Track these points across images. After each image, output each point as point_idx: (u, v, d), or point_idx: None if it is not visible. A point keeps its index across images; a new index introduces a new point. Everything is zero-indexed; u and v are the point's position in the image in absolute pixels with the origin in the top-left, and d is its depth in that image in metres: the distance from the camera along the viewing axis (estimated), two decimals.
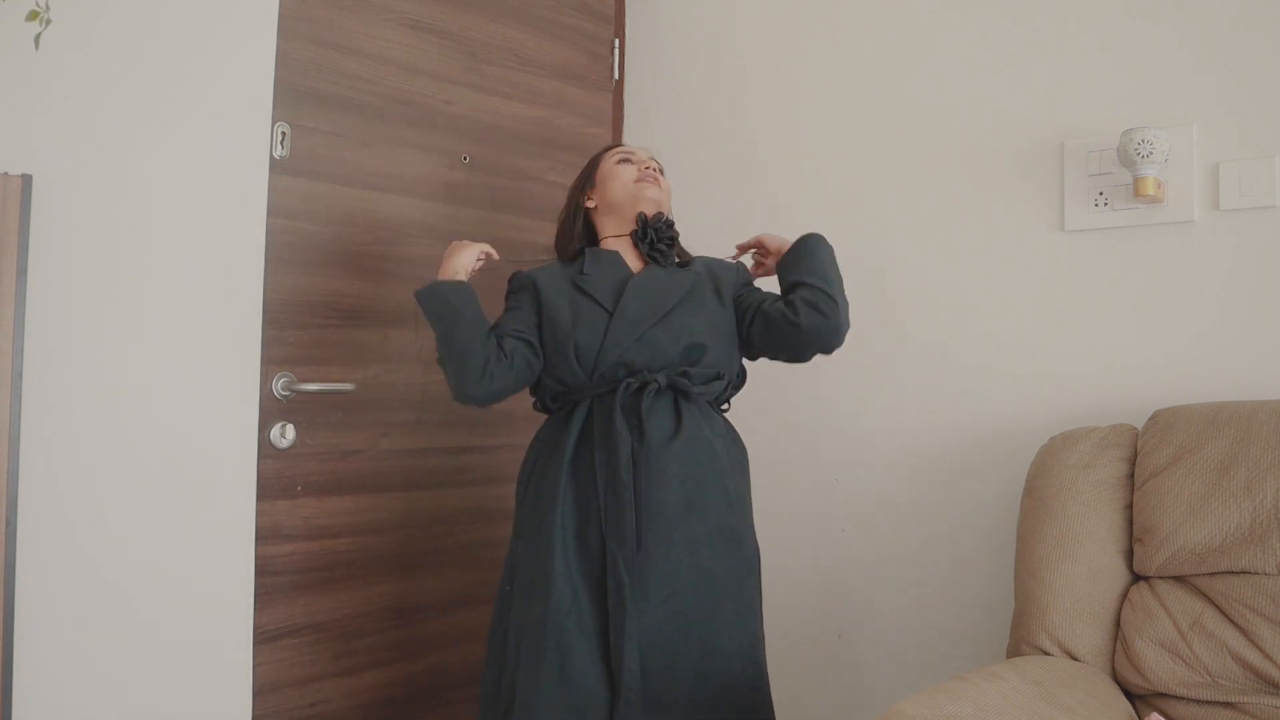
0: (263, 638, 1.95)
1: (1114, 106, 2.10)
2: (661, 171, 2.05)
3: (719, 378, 1.89)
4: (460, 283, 1.88)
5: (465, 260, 1.92)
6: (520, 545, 1.86)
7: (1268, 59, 1.98)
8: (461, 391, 1.85)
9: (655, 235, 1.96)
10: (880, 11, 2.41)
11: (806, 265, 1.89)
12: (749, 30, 2.60)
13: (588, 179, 2.05)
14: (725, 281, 1.97)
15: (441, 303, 1.84)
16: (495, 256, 1.99)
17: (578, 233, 2.02)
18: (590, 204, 2.03)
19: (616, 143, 2.22)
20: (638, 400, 1.80)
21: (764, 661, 1.85)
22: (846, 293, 1.90)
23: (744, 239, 2.09)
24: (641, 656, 1.72)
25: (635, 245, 1.97)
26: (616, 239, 1.99)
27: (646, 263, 1.97)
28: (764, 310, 1.89)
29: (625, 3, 2.73)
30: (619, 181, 1.99)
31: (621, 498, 1.75)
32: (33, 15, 1.59)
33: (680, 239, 2.03)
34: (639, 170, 2.00)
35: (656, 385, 1.81)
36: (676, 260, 2.00)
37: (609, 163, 2.03)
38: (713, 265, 2.01)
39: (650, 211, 1.98)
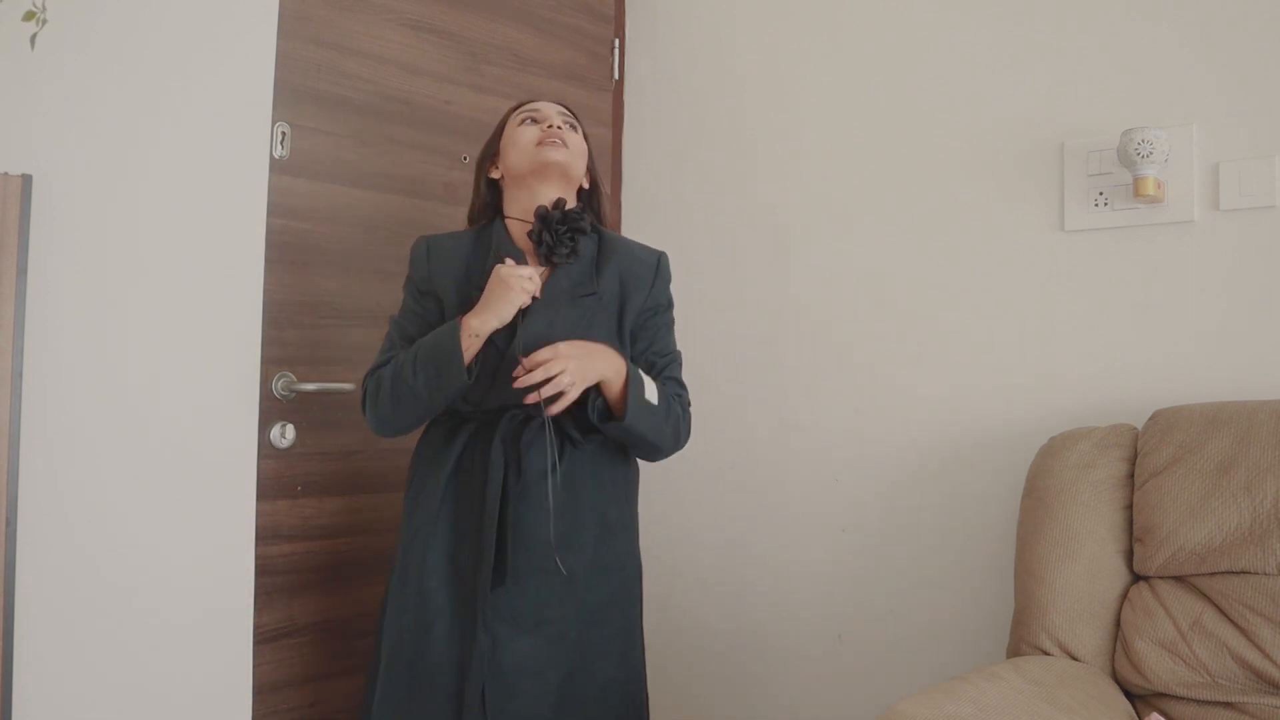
0: (263, 638, 1.95)
1: (1114, 106, 2.10)
2: (577, 125, 1.86)
3: (596, 429, 1.77)
4: (466, 383, 1.71)
5: (509, 311, 1.71)
6: (396, 559, 1.80)
7: (1268, 59, 1.98)
8: (390, 431, 1.81)
9: (551, 239, 1.75)
10: (880, 11, 2.41)
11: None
12: (749, 30, 2.59)
13: (492, 145, 1.88)
14: (633, 304, 1.82)
15: (454, 361, 1.69)
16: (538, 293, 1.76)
17: (487, 205, 1.87)
18: (496, 174, 1.87)
19: (528, 98, 1.97)
20: (519, 431, 1.73)
21: (640, 676, 1.84)
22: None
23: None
24: (510, 683, 1.68)
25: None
26: (521, 223, 1.81)
27: (549, 272, 1.79)
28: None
29: (625, 3, 2.73)
30: (517, 148, 1.80)
31: (485, 531, 1.70)
32: (29, 15, 1.59)
33: (586, 221, 1.80)
34: (542, 130, 1.80)
35: (540, 421, 1.72)
36: (576, 255, 1.78)
37: (511, 125, 1.85)
38: (626, 273, 1.83)
39: (551, 192, 1.78)
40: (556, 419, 1.72)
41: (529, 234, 1.77)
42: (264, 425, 1.96)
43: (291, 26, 2.00)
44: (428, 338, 1.73)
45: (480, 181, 1.89)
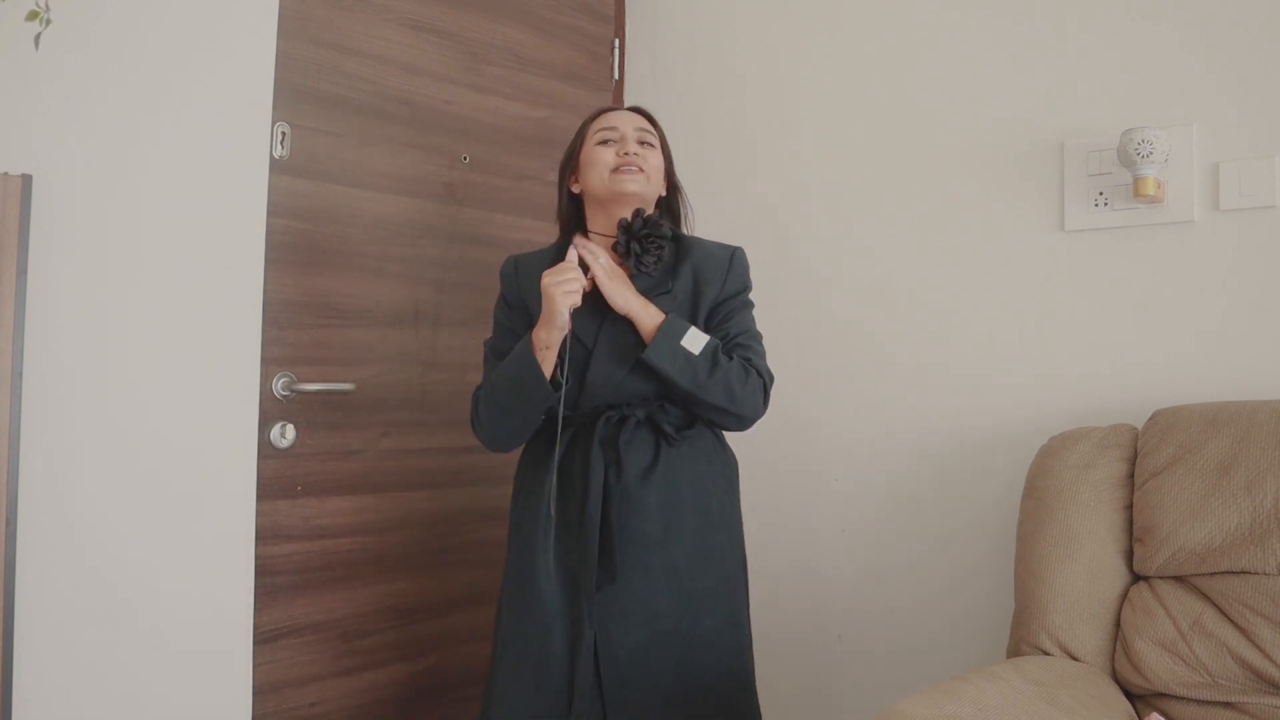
0: (263, 638, 1.95)
1: (1114, 106, 2.10)
2: (656, 137, 1.90)
3: (691, 424, 1.84)
4: (551, 393, 1.77)
5: (561, 316, 1.75)
6: (509, 564, 1.87)
7: (1268, 59, 1.98)
8: (503, 446, 1.88)
9: (640, 248, 1.80)
10: (880, 11, 2.41)
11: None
12: (749, 30, 2.59)
13: (572, 158, 1.91)
14: (706, 297, 1.85)
15: (534, 374, 1.76)
16: (588, 287, 1.80)
17: (570, 217, 1.92)
18: (576, 188, 1.91)
19: (608, 105, 1.97)
20: (617, 432, 1.79)
21: (750, 669, 1.86)
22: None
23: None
24: (623, 676, 1.75)
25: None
26: (603, 237, 1.87)
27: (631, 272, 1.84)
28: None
29: (625, 3, 2.73)
30: (595, 170, 1.84)
31: (588, 531, 1.75)
32: (32, 15, 1.59)
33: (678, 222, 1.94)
34: (618, 155, 1.83)
35: (636, 419, 1.80)
36: (662, 261, 1.83)
37: (590, 142, 1.87)
38: (700, 270, 1.86)
39: (629, 212, 1.81)
40: (652, 418, 1.80)
41: (614, 247, 1.83)
42: (264, 425, 1.96)
43: (291, 26, 2.00)
44: (508, 358, 1.81)
45: (563, 194, 1.93)
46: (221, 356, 1.91)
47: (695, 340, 1.76)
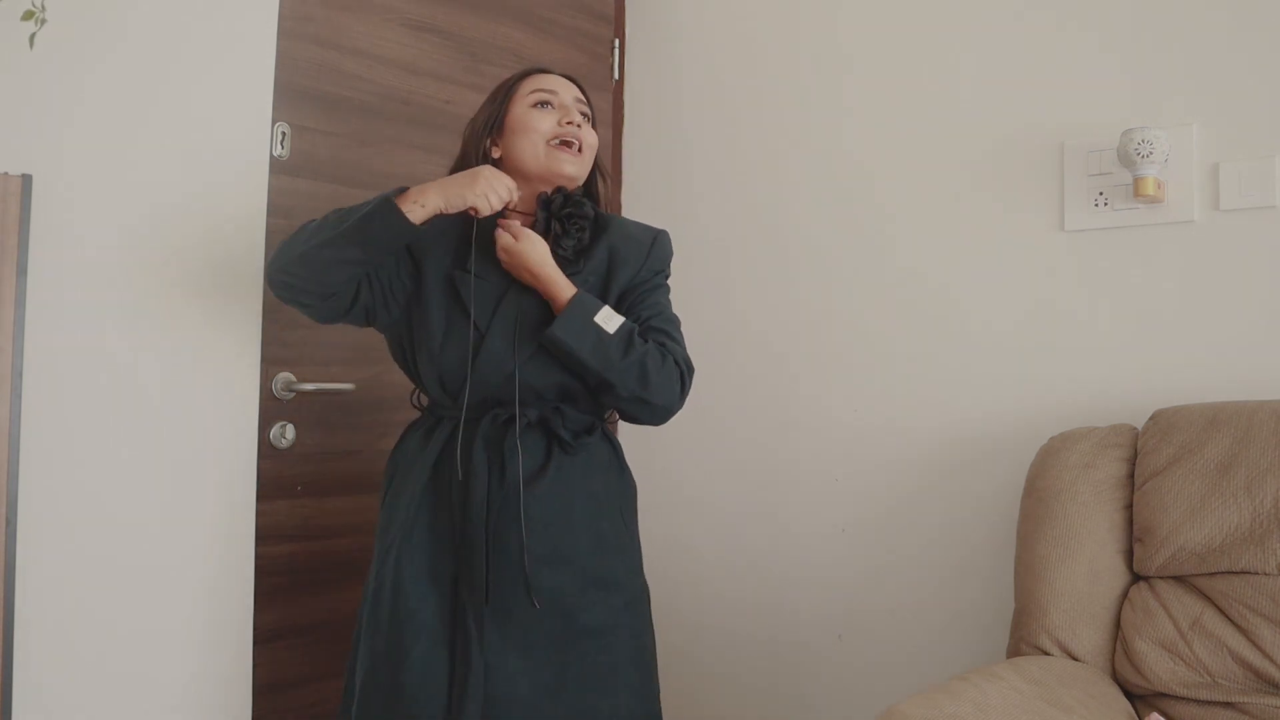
0: (263, 638, 1.95)
1: (1114, 106, 2.10)
2: (590, 109, 1.70)
3: (591, 429, 1.66)
4: (412, 226, 1.54)
5: (462, 195, 1.55)
6: (370, 575, 1.66)
7: (1268, 59, 1.98)
8: (291, 277, 1.58)
9: (560, 228, 1.63)
10: (880, 12, 2.41)
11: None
12: (749, 30, 2.59)
13: (496, 119, 1.68)
14: (619, 280, 1.67)
15: (385, 229, 1.53)
16: (512, 204, 1.61)
17: None
18: (497, 154, 1.68)
19: (535, 67, 1.76)
20: (503, 434, 1.59)
21: (657, 712, 1.69)
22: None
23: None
24: (503, 712, 1.54)
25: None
26: (519, 214, 1.67)
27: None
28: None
29: (625, 3, 2.73)
30: (529, 138, 1.64)
31: (473, 543, 1.56)
32: (28, 15, 1.59)
33: (591, 206, 1.69)
34: (559, 125, 1.65)
35: (527, 420, 1.60)
36: (583, 242, 1.66)
37: (521, 102, 1.67)
38: (617, 251, 1.68)
39: (556, 187, 1.64)
40: (545, 420, 1.61)
41: (533, 225, 1.65)
42: (264, 425, 1.96)
43: (291, 26, 2.00)
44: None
45: (475, 156, 1.68)
46: (221, 356, 1.91)
47: (609, 319, 1.58)
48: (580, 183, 1.70)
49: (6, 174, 1.70)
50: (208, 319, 1.89)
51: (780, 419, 2.46)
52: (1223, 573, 1.70)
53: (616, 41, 2.70)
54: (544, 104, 1.67)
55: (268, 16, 1.96)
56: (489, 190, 1.57)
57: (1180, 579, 1.76)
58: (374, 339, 2.15)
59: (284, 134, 2.00)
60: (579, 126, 1.67)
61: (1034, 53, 2.20)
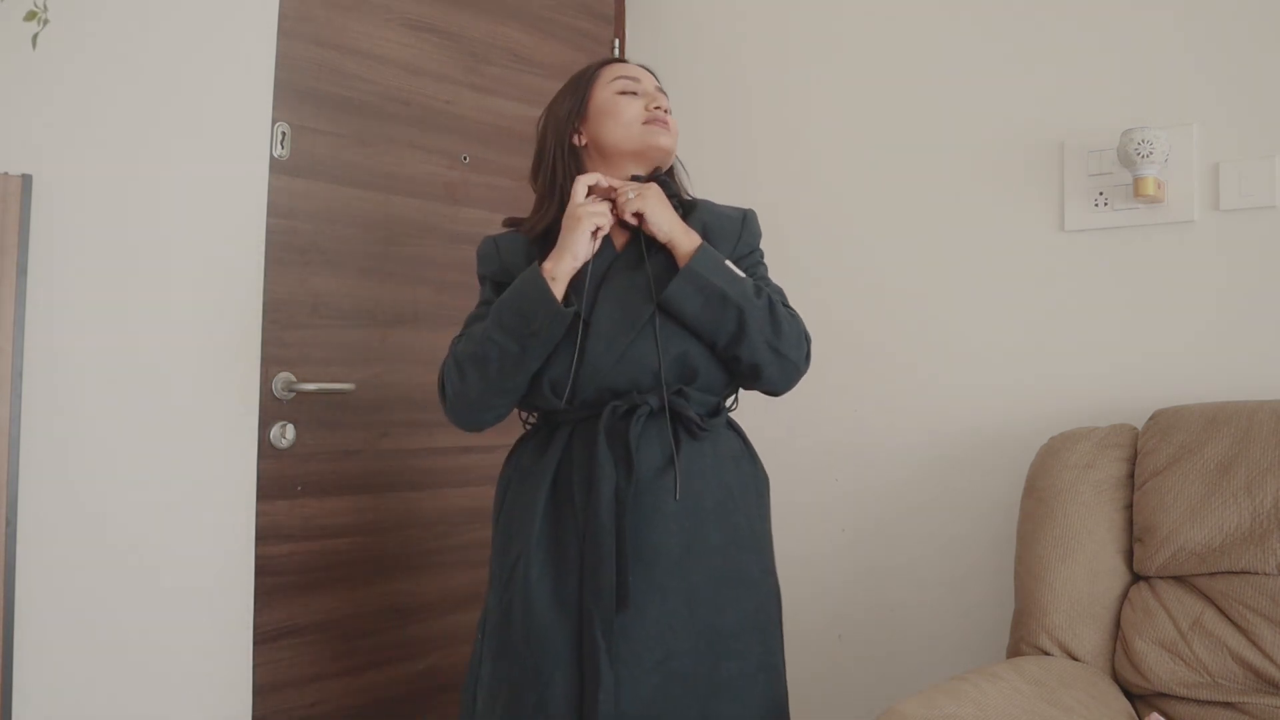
0: (263, 638, 1.95)
1: (1114, 106, 2.10)
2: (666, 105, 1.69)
3: (718, 412, 1.60)
4: (561, 310, 1.50)
5: (581, 243, 1.52)
6: (491, 598, 1.58)
7: (1268, 59, 1.98)
8: (477, 412, 1.58)
9: None
10: (881, 12, 2.41)
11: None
12: (749, 30, 2.59)
13: (578, 108, 1.65)
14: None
15: (543, 297, 1.49)
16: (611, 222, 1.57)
17: (565, 174, 1.63)
18: (581, 141, 1.65)
19: (610, 57, 1.73)
20: (626, 425, 1.51)
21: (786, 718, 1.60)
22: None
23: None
24: None
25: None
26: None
27: (629, 236, 1.60)
28: None
29: (625, 3, 2.73)
30: (620, 121, 1.62)
31: (601, 546, 1.46)
32: (30, 15, 1.59)
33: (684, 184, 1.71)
34: (647, 109, 1.63)
35: (648, 408, 1.52)
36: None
37: (606, 90, 1.65)
38: (712, 228, 1.64)
39: (644, 170, 1.62)
40: (672, 404, 1.52)
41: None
42: (264, 425, 1.96)
43: (291, 26, 2.00)
44: (505, 294, 1.55)
45: (559, 148, 1.64)
46: (221, 356, 1.91)
47: (735, 269, 1.56)
48: (673, 156, 1.69)
49: (6, 174, 1.70)
50: (208, 319, 1.89)
51: (780, 418, 2.46)
52: (1223, 573, 1.71)
53: (616, 41, 2.69)
54: (629, 92, 1.65)
55: (268, 16, 1.96)
56: (589, 218, 1.53)
57: (1180, 579, 1.76)
58: (374, 339, 2.15)
59: (284, 134, 2.00)
60: (667, 111, 1.66)
61: (1034, 52, 2.20)
